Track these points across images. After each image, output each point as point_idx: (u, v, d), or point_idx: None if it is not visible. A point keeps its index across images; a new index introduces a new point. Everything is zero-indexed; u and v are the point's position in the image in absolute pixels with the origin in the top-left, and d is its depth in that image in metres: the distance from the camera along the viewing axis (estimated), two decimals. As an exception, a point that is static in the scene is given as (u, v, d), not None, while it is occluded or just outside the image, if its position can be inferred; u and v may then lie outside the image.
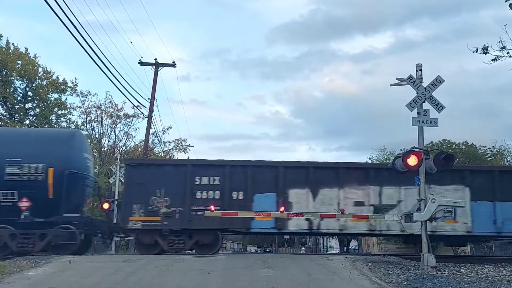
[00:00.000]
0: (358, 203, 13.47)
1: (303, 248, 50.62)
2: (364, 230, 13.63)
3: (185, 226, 13.08)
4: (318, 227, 13.42)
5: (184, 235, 13.21)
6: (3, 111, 24.14)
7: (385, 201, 13.49)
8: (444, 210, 9.67)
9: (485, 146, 31.75)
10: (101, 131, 31.26)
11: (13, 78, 23.71)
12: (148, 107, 25.54)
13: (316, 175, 13.63)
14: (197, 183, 13.34)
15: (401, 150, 27.18)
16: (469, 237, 14.16)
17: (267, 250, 63.80)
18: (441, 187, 13.44)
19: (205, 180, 13.39)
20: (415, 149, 9.90)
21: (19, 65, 23.64)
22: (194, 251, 13.83)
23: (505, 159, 31.72)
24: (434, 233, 13.36)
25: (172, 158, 34.00)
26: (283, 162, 14.22)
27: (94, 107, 30.60)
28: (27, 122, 24.72)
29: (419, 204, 9.82)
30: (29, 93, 24.75)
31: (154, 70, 25.82)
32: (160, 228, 13.03)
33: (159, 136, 32.80)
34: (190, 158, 34.52)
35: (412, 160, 9.69)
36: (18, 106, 24.29)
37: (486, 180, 13.66)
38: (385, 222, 13.32)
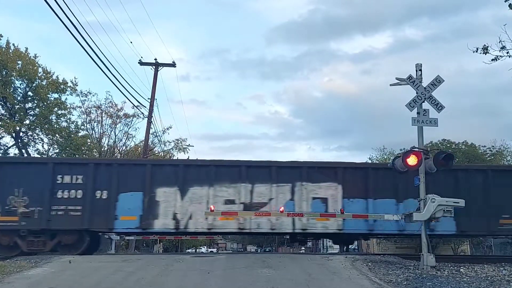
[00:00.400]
0: (229, 201, 13.26)
1: (303, 248, 50.57)
2: (233, 229, 13.41)
3: (44, 226, 12.70)
4: (186, 227, 13.12)
5: (44, 235, 12.83)
6: (3, 111, 24.04)
7: (256, 199, 13.27)
8: (444, 210, 9.68)
9: (484, 146, 31.71)
10: (101, 131, 31.23)
11: (13, 78, 23.62)
12: (148, 107, 25.58)
13: (186, 173, 13.34)
14: (58, 182, 12.97)
15: (401, 150, 27.17)
16: (342, 235, 13.94)
17: (267, 250, 63.85)
18: (314, 185, 13.36)
19: (67, 179, 13.02)
20: (415, 149, 9.91)
21: (19, 65, 23.57)
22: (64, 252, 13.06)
23: (505, 159, 31.69)
24: (305, 231, 13.31)
25: (171, 158, 34.00)
26: (151, 160, 13.93)
27: (94, 107, 30.62)
28: (27, 122, 24.69)
29: (419, 204, 9.83)
30: (29, 93, 24.65)
31: (154, 70, 25.85)
32: (18, 229, 12.64)
33: (159, 136, 32.84)
34: (189, 158, 34.58)
35: (412, 160, 9.71)
36: (18, 106, 24.20)
37: (359, 178, 13.46)
38: (255, 220, 13.09)
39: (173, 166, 13.80)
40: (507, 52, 9.62)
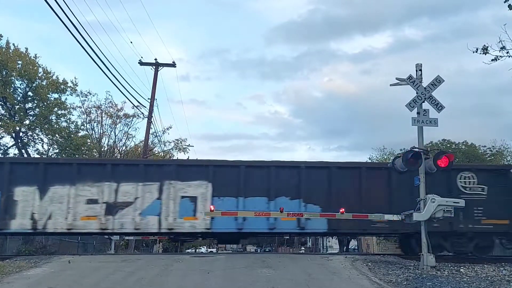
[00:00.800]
0: (91, 201, 13.00)
1: (303, 248, 50.61)
2: (95, 229, 13.16)
3: None
4: (44, 227, 12.86)
5: None
6: (3, 111, 24.01)
7: (121, 198, 13.05)
8: (444, 210, 9.67)
9: (484, 146, 31.76)
10: (101, 131, 31.21)
11: (13, 78, 23.60)
12: (148, 107, 25.55)
13: (47, 172, 13.04)
14: None
15: (401, 150, 27.19)
16: (211, 234, 13.81)
17: (267, 250, 63.84)
18: (184, 183, 13.21)
19: None
20: (415, 149, 9.91)
21: (19, 65, 23.56)
22: None
23: (505, 159, 31.70)
24: (171, 230, 13.12)
25: (171, 158, 34.00)
26: (9, 158, 13.46)
27: (94, 107, 30.60)
28: (27, 122, 24.67)
29: (419, 204, 9.82)
30: (29, 93, 24.63)
31: (154, 70, 25.81)
32: None
33: (159, 136, 32.82)
34: (189, 158, 34.59)
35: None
36: (18, 106, 24.18)
37: (231, 176, 13.36)
38: (118, 220, 12.91)
39: (33, 164, 13.54)
40: (507, 52, 9.60)
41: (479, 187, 13.49)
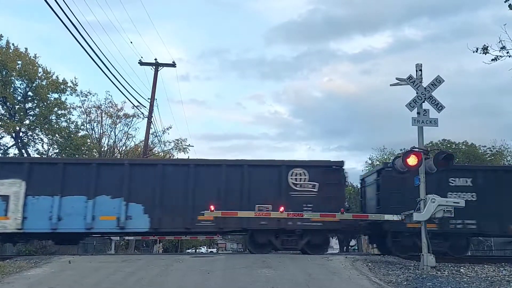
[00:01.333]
0: None
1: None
2: None
3: None
4: None
5: None
6: (3, 111, 24.02)
7: None
8: (444, 210, 9.66)
9: (484, 146, 31.76)
10: (101, 131, 31.20)
11: (13, 78, 23.60)
12: (148, 107, 25.54)
13: None
14: None
15: (401, 150, 27.21)
16: (23, 234, 13.45)
17: (267, 250, 63.71)
18: None
19: None
20: (415, 149, 9.91)
21: (19, 65, 23.56)
22: None
23: (505, 159, 31.71)
24: None
25: (172, 158, 33.99)
26: None
27: (94, 107, 30.59)
28: (27, 122, 24.66)
29: (419, 204, 9.82)
30: (29, 93, 24.64)
31: (154, 70, 25.80)
32: None
33: (159, 136, 32.81)
34: (190, 158, 34.58)
35: (412, 160, 9.70)
36: (18, 106, 24.19)
37: (49, 174, 13.08)
38: None
39: None
40: (507, 52, 9.59)
41: (310, 183, 13.34)
